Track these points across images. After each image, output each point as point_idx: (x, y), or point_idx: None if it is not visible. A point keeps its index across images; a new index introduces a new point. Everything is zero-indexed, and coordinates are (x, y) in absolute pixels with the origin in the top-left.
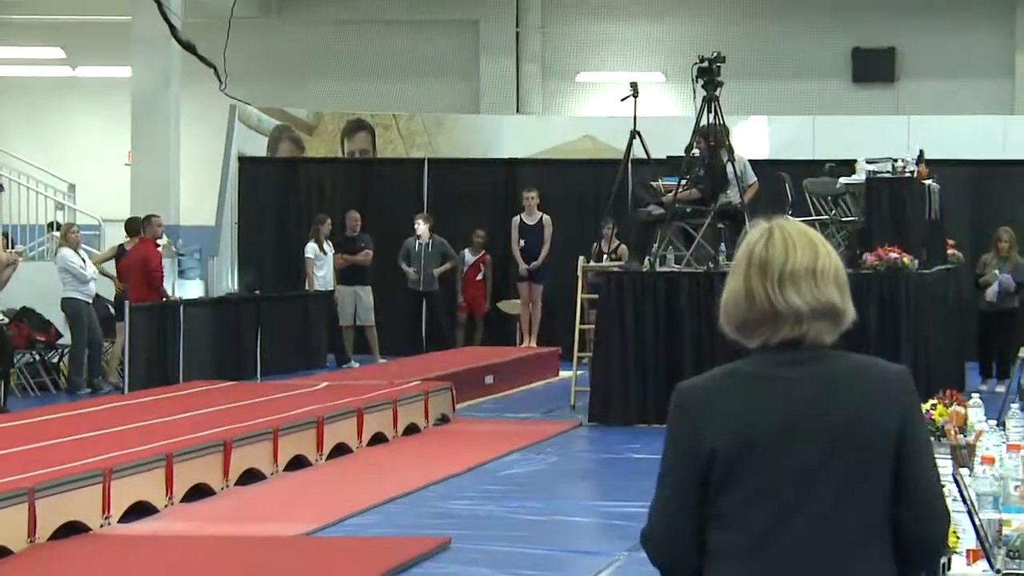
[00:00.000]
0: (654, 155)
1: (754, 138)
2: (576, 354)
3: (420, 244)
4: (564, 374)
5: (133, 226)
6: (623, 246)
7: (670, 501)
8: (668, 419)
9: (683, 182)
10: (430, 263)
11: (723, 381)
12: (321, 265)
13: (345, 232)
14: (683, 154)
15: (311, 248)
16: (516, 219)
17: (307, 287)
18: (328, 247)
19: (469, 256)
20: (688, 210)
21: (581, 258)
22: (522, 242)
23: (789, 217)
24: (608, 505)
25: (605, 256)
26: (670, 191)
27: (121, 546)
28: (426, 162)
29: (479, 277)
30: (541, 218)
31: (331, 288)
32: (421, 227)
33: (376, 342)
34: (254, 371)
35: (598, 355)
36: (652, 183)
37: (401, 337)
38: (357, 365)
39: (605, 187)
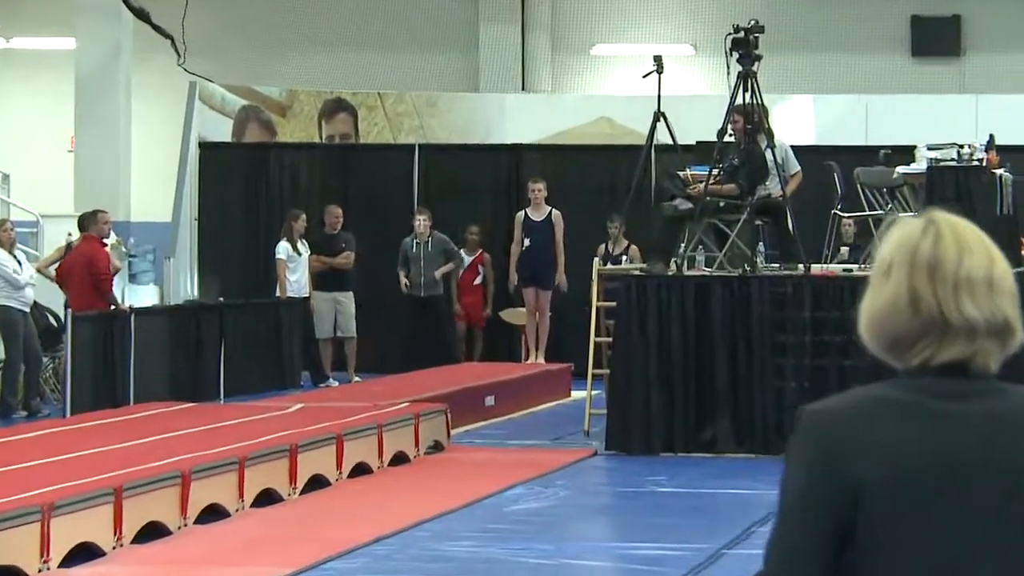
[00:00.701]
0: (681, 140)
1: (797, 120)
2: (591, 371)
3: (418, 244)
4: (577, 394)
5: (85, 223)
6: (633, 247)
7: (798, 546)
8: (794, 447)
9: (715, 172)
10: (430, 264)
11: (868, 407)
12: (294, 268)
13: (324, 230)
14: (715, 139)
15: (283, 248)
16: (520, 215)
17: (279, 293)
18: (303, 247)
19: (465, 257)
20: (721, 204)
21: (596, 260)
22: (527, 241)
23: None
24: (628, 547)
25: (611, 260)
26: (700, 182)
27: None
28: (417, 149)
29: (476, 281)
30: (550, 213)
31: (306, 295)
32: (422, 224)
33: (354, 357)
34: (217, 391)
35: (616, 372)
36: (679, 173)
37: (394, 352)
38: (336, 384)
39: (624, 177)
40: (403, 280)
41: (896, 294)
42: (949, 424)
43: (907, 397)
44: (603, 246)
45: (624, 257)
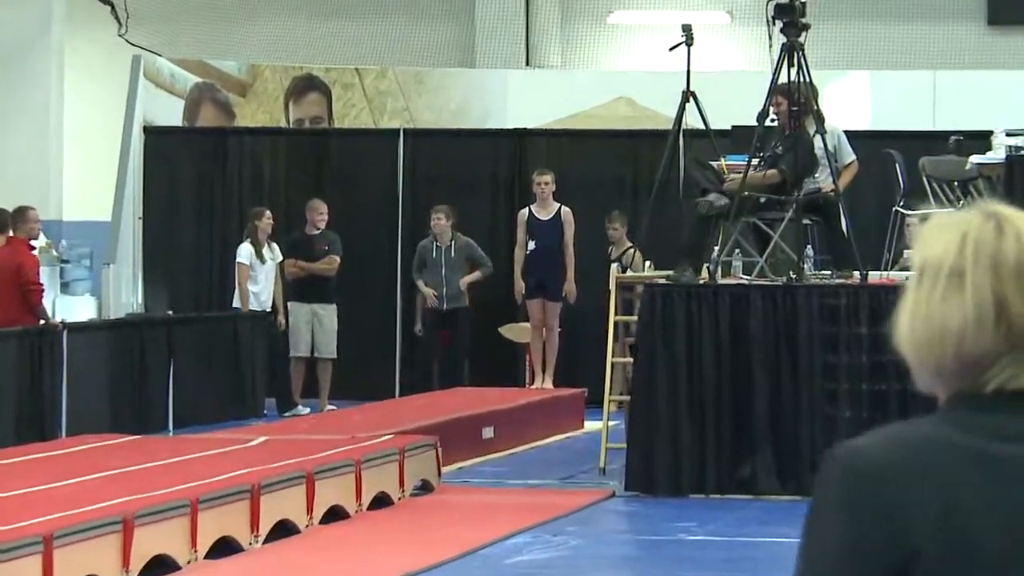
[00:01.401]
0: (714, 125)
1: (852, 101)
2: (608, 398)
3: (439, 248)
4: (591, 425)
5: (10, 222)
6: (634, 252)
7: None
8: (828, 499)
9: (755, 162)
10: (454, 272)
11: (920, 453)
12: (257, 275)
13: (304, 228)
14: (754, 123)
15: (245, 251)
16: (523, 212)
17: (239, 305)
18: (270, 251)
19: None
20: (762, 200)
21: (614, 266)
22: (531, 244)
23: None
24: None
25: (615, 265)
26: (737, 174)
27: None
28: (401, 135)
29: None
30: (558, 211)
31: (269, 308)
32: (442, 224)
33: (328, 382)
34: (165, 421)
35: (639, 399)
36: (712, 163)
37: (375, 376)
38: (307, 412)
39: (647, 169)
40: (426, 290)
41: (978, 305)
42: (1016, 476)
43: (967, 440)
44: (611, 249)
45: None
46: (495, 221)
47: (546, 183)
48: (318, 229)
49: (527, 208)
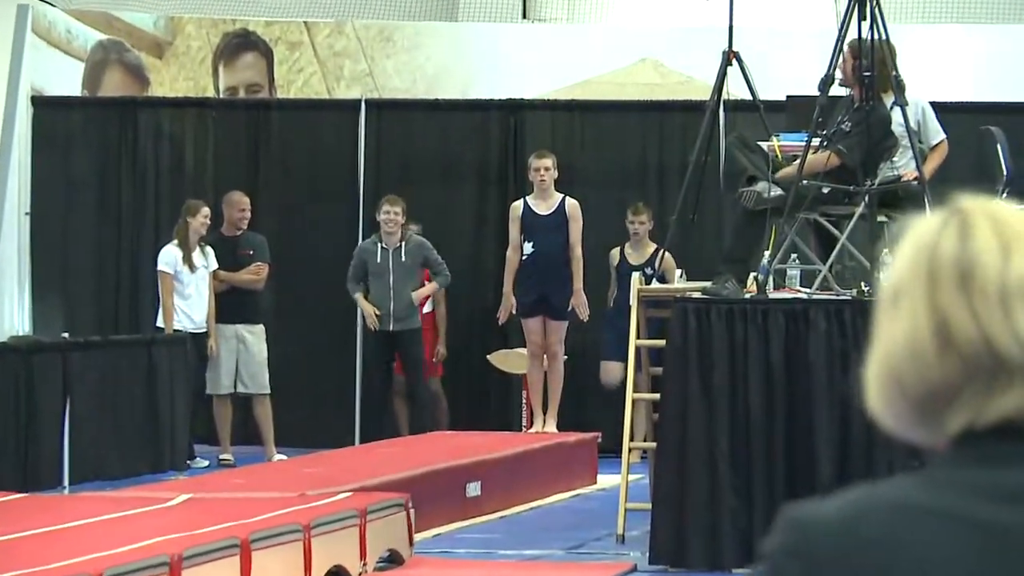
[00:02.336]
0: (764, 95)
1: (941, 65)
2: (628, 445)
3: (385, 251)
4: (606, 480)
5: None
6: (661, 255)
7: None
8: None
9: (816, 142)
10: (404, 282)
11: (887, 524)
12: (184, 289)
13: (220, 230)
14: (815, 92)
15: (169, 257)
16: (518, 206)
17: (162, 325)
18: (203, 256)
19: None
20: (825, 190)
21: (636, 276)
22: (528, 247)
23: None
24: None
25: (637, 274)
26: (792, 156)
27: None
28: (363, 107)
29: (427, 309)
30: (562, 204)
31: (204, 328)
32: (391, 220)
33: (270, 423)
34: (58, 473)
35: (666, 447)
36: (761, 143)
37: (339, 416)
38: (235, 465)
39: (677, 151)
40: (367, 307)
41: (913, 326)
42: (1013, 547)
43: (944, 502)
44: (617, 251)
45: (647, 271)
46: (481, 218)
47: (546, 168)
48: (239, 230)
49: (522, 200)
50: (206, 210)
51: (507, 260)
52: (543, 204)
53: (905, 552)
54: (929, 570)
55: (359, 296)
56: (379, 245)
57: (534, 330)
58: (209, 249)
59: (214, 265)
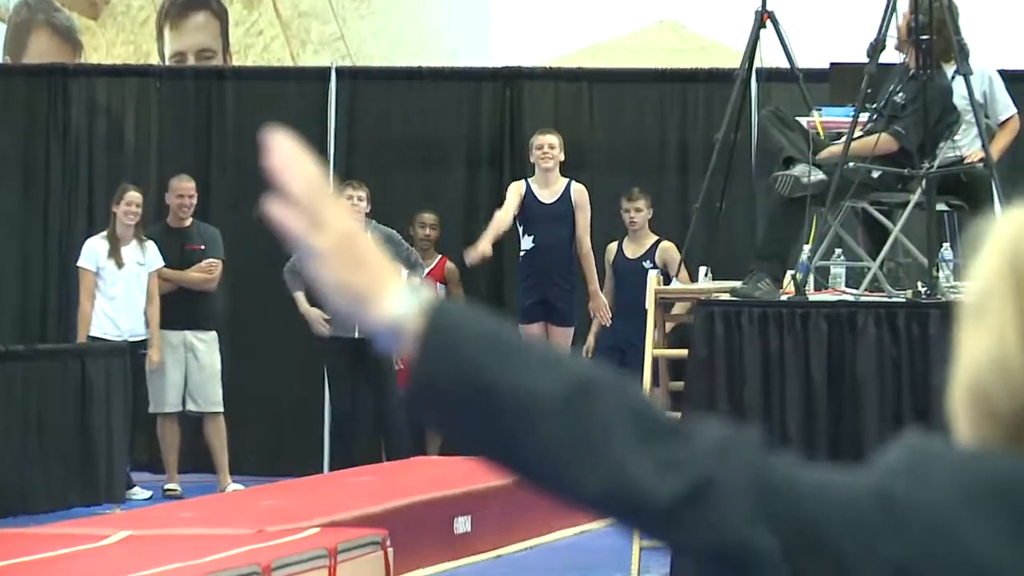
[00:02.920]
0: (804, 62)
1: (1012, 29)
2: None
3: None
4: None
5: None
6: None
7: None
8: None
9: (864, 117)
10: None
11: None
12: (109, 289)
13: (167, 220)
14: (864, 59)
15: (90, 251)
16: (517, 187)
17: (96, 333)
18: (140, 250)
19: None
20: (874, 174)
21: (652, 274)
22: (529, 240)
23: None
24: None
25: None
26: (837, 134)
27: None
28: (333, 76)
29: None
30: (567, 189)
31: (141, 336)
32: (353, 204)
33: (224, 448)
34: None
35: None
36: (800, 119)
37: (304, 440)
38: (147, 495)
39: (702, 128)
40: (311, 311)
41: (999, 337)
42: None
43: None
44: (614, 246)
45: (646, 263)
46: (471, 208)
47: (551, 146)
48: (184, 220)
49: (524, 182)
50: (133, 195)
51: (494, 218)
52: (546, 191)
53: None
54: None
55: (299, 296)
56: None
57: (535, 337)
58: (151, 244)
59: (157, 263)
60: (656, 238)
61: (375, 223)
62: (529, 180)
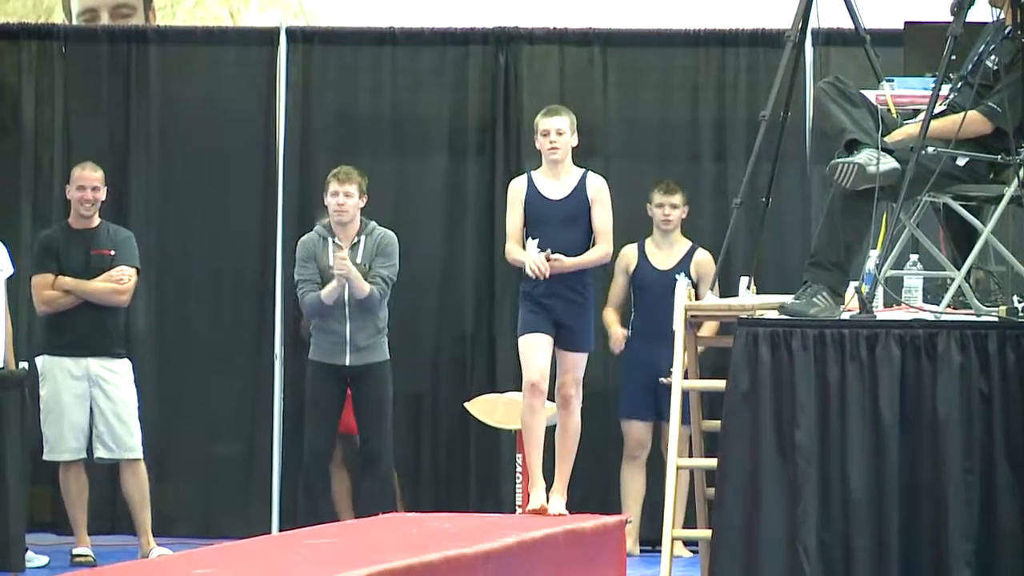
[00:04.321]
0: (871, 22)
1: None
2: (669, 534)
3: (336, 245)
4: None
5: None
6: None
7: None
8: None
9: (946, 91)
10: (368, 296)
11: None
12: None
13: (68, 219)
14: (947, 19)
15: None
16: (520, 184)
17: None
18: None
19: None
20: (960, 162)
21: (682, 284)
22: (532, 244)
23: None
24: None
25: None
26: (913, 112)
27: None
28: (283, 39)
29: None
30: (582, 184)
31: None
32: (344, 202)
33: (146, 501)
34: None
35: (726, 537)
36: (866, 92)
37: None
38: (44, 561)
39: (745, 103)
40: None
41: None
42: None
43: None
44: (633, 250)
45: (680, 276)
46: (456, 201)
47: (559, 132)
48: (90, 218)
49: (526, 177)
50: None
51: (507, 256)
52: (555, 184)
53: None
54: None
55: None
56: (330, 241)
57: (531, 358)
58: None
59: (8, 269)
60: (690, 244)
61: (376, 226)
62: (532, 173)
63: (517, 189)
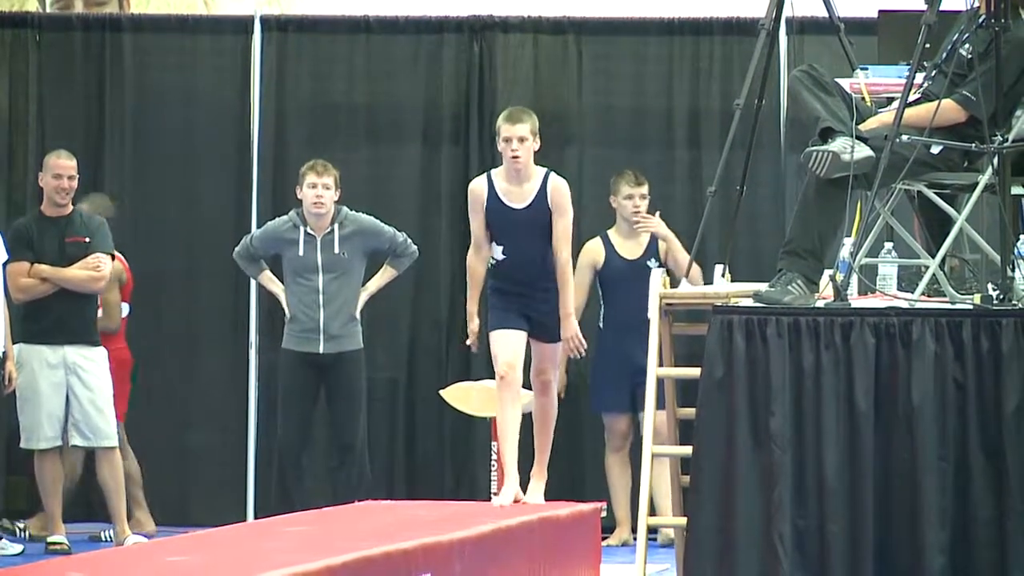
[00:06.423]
0: (845, 10)
1: None
2: (645, 521)
3: (312, 239)
4: (614, 571)
5: None
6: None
7: None
8: None
9: (920, 79)
10: (341, 283)
11: None
12: None
13: (41, 207)
14: (920, 9)
15: None
16: (480, 188)
17: None
18: None
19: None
20: (934, 150)
21: (656, 273)
22: (498, 250)
23: None
24: None
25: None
26: (887, 100)
27: None
28: (257, 28)
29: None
30: (543, 187)
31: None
32: (321, 195)
33: (121, 489)
34: None
35: (701, 525)
36: (840, 80)
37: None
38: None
39: (719, 91)
40: (277, 286)
41: None
42: None
43: None
44: (598, 244)
45: (650, 263)
46: (430, 191)
47: (520, 139)
48: (64, 205)
49: (485, 180)
50: None
51: (468, 267)
52: (516, 190)
53: None
54: None
55: (265, 276)
56: (302, 230)
57: (502, 348)
58: None
59: (2, 255)
60: (650, 234)
61: (348, 211)
62: (492, 176)
63: (477, 194)
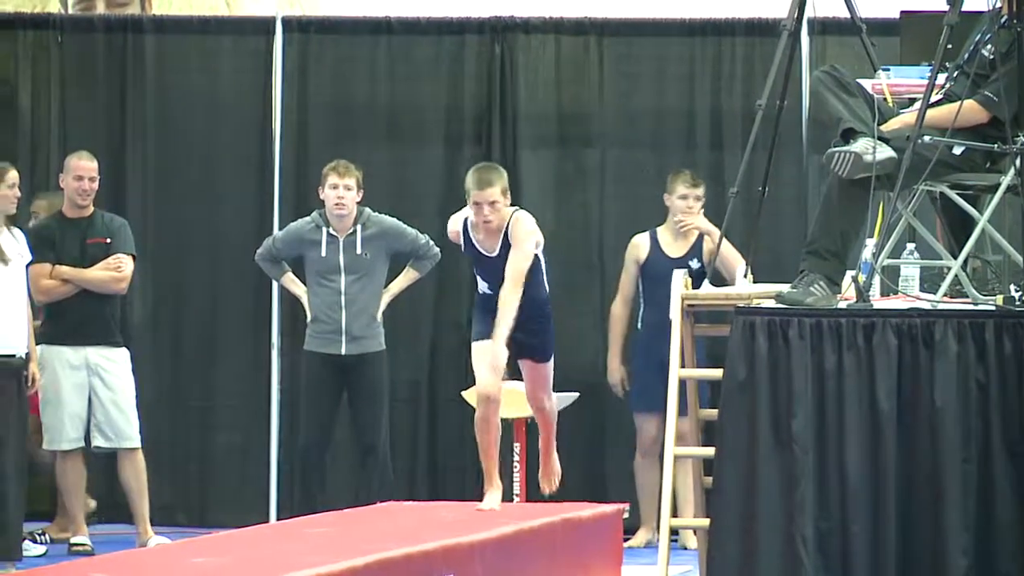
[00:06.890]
0: (867, 11)
1: None
2: (668, 523)
3: (334, 240)
4: (636, 572)
5: None
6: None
7: None
8: None
9: (942, 80)
10: (363, 284)
11: None
12: None
13: (62, 209)
14: (942, 9)
15: None
16: (457, 228)
17: None
18: (14, 242)
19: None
20: (957, 151)
21: (678, 275)
22: (483, 285)
23: None
24: None
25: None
26: (909, 101)
27: None
28: (279, 29)
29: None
30: (506, 233)
31: (16, 352)
32: (343, 195)
33: (144, 491)
34: None
35: (723, 527)
36: (862, 81)
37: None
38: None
39: (740, 92)
40: (298, 287)
41: None
42: None
43: None
44: (644, 239)
45: (692, 263)
46: (451, 192)
47: (491, 204)
48: (84, 207)
49: (462, 224)
50: (13, 176)
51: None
52: (488, 240)
53: None
54: None
55: (287, 278)
56: (324, 231)
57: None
58: (17, 232)
59: (26, 256)
60: (698, 232)
61: (371, 212)
62: (469, 220)
63: (455, 235)
